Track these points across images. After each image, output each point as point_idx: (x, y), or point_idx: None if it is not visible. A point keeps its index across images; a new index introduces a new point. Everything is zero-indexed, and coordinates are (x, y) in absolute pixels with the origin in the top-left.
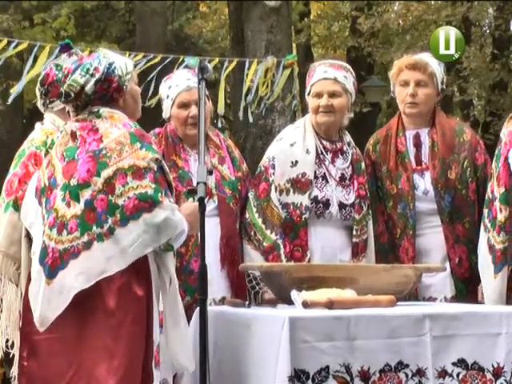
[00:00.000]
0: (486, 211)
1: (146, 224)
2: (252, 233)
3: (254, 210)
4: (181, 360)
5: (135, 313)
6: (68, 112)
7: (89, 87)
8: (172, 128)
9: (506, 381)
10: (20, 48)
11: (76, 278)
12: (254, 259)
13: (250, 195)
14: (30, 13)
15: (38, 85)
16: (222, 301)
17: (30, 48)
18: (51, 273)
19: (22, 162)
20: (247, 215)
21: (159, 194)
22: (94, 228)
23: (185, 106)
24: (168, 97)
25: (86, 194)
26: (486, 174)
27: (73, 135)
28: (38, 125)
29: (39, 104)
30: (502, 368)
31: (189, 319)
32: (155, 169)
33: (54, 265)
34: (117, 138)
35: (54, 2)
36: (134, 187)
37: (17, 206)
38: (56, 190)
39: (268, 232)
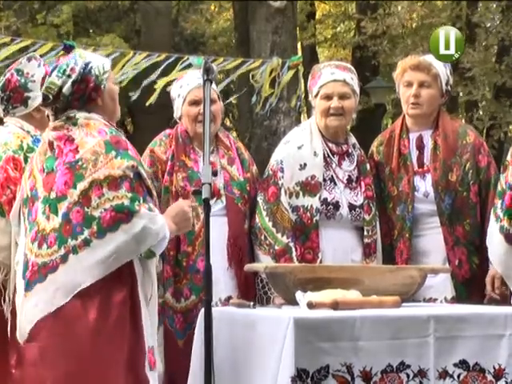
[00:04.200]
0: (498, 202)
1: (124, 235)
2: (262, 237)
3: (264, 213)
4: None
5: (115, 320)
6: (46, 116)
7: (66, 88)
8: (183, 129)
9: (506, 382)
10: (22, 45)
11: (54, 293)
12: None
13: (260, 199)
14: (33, 12)
15: None
16: (228, 300)
17: (33, 46)
18: (29, 286)
19: None
20: (257, 220)
21: (136, 203)
22: (69, 240)
23: (196, 103)
24: (179, 95)
25: (63, 207)
26: (488, 176)
27: (50, 145)
28: (1, 129)
29: None
30: (504, 370)
31: (194, 318)
32: (131, 176)
33: (33, 278)
34: (92, 147)
35: (58, 2)
36: (110, 198)
37: (2, 212)
38: (37, 202)
39: (279, 235)
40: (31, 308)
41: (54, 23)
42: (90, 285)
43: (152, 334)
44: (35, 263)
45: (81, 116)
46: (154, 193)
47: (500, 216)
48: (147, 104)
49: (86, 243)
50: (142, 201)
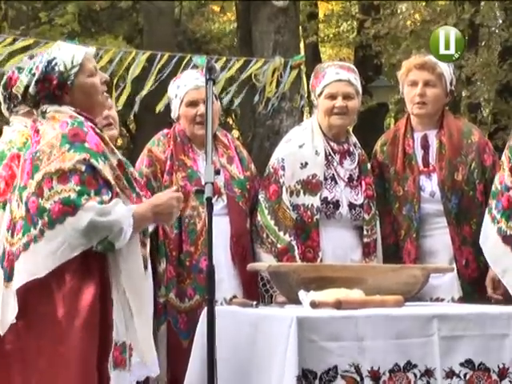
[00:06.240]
0: (493, 202)
1: (71, 228)
2: (264, 235)
3: (266, 212)
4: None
5: (85, 317)
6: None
7: (31, 87)
8: (180, 128)
9: (510, 382)
10: (26, 43)
11: (16, 279)
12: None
13: (261, 197)
14: (36, 12)
15: (1, 89)
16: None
17: (37, 45)
18: (9, 276)
19: (4, 163)
20: (259, 218)
21: (83, 197)
22: (32, 229)
23: (193, 104)
24: (176, 96)
25: (25, 196)
26: (494, 175)
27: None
28: (7, 128)
29: (3, 108)
30: (508, 369)
31: (199, 318)
32: (82, 169)
33: (11, 267)
34: (49, 140)
35: (61, 1)
36: (59, 191)
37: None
38: (15, 190)
39: (281, 234)
40: (11, 298)
41: (58, 23)
42: (59, 281)
43: (138, 313)
44: (10, 252)
45: (51, 110)
46: (118, 182)
47: (497, 217)
48: (157, 111)
49: (42, 233)
50: (93, 194)
